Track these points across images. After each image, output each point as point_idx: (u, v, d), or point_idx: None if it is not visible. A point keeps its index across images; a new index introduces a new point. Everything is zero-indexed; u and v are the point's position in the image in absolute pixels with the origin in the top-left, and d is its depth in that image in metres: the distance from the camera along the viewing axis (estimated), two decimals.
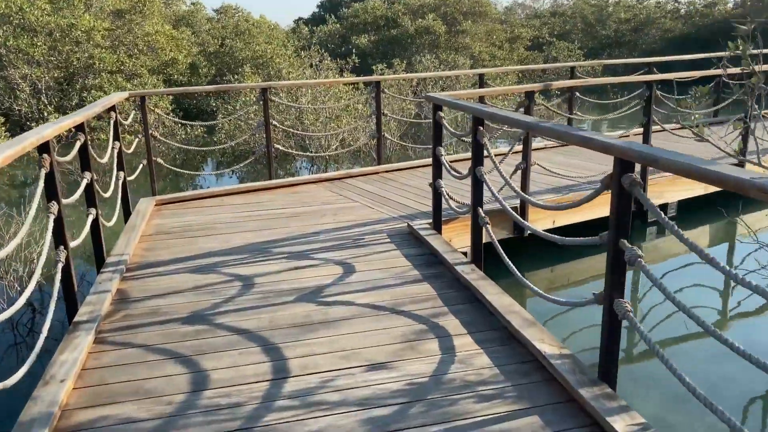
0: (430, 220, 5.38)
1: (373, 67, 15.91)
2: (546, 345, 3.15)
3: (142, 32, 16.48)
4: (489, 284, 3.96)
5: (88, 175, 4.40)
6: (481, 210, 4.22)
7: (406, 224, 5.43)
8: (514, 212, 3.93)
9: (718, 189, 7.04)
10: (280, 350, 3.32)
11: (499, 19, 25.62)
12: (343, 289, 4.10)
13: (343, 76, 14.32)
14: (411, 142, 11.79)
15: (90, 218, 4.43)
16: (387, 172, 7.55)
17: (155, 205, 6.33)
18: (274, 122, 7.12)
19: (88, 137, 4.60)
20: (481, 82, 8.16)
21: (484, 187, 4.22)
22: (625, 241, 2.66)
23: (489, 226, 4.20)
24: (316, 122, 11.23)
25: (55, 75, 15.02)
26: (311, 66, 14.98)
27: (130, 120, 6.68)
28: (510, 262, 3.77)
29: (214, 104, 15.37)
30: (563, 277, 6.02)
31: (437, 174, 4.99)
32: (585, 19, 30.53)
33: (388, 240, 5.08)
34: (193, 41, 19.50)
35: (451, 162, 7.91)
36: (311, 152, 11.59)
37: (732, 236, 7.01)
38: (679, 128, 7.10)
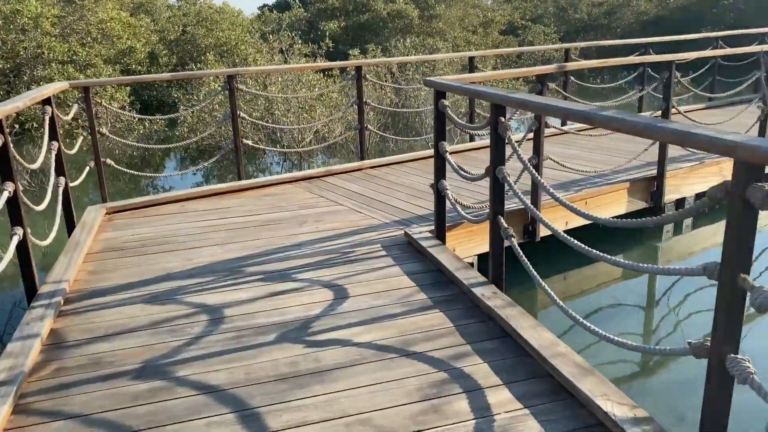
0: (431, 227, 4.61)
1: (349, 53, 14.97)
2: (614, 404, 2.39)
3: (96, 19, 15.30)
4: (520, 313, 3.19)
5: (10, 186, 3.51)
6: (503, 219, 3.45)
7: (402, 232, 4.64)
8: (541, 217, 3.17)
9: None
10: (260, 418, 2.51)
11: (471, 3, 24.87)
12: (336, 323, 3.30)
13: (316, 62, 13.40)
14: (392, 134, 10.98)
15: (15, 240, 3.54)
16: (372, 168, 6.74)
17: (105, 214, 5.42)
18: (243, 114, 6.25)
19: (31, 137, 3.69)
20: (471, 66, 7.39)
21: (503, 188, 3.45)
22: (748, 278, 1.90)
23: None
24: (288, 113, 10.35)
25: (1, 66, 13.80)
26: (281, 51, 14.01)
27: (71, 115, 5.73)
28: (547, 288, 3.02)
29: (176, 95, 14.33)
30: (577, 284, 5.30)
31: (441, 174, 4.21)
32: (557, 2, 29.97)
33: (384, 253, 4.28)
34: (153, 29, 18.32)
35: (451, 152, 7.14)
36: (283, 146, 10.71)
37: None
38: (698, 109, 6.42)
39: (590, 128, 6.76)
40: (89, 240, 4.66)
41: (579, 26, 28.34)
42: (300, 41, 14.19)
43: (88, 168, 5.78)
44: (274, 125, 8.62)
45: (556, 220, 5.14)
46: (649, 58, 5.23)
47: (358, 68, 6.68)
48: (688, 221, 6.39)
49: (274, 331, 3.23)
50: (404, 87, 11.19)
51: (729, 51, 6.65)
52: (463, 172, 3.89)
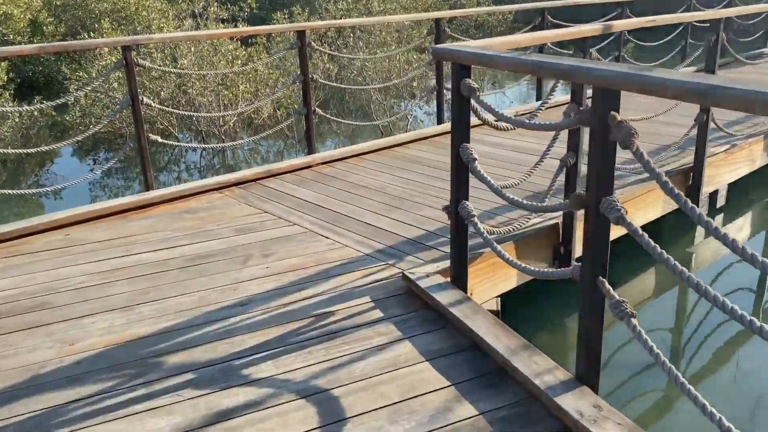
0: (435, 261, 3.19)
1: (273, 17, 13.01)
2: None
3: None
4: None
5: None
6: (604, 282, 2.06)
7: (395, 271, 3.20)
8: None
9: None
10: None
11: None
12: None
13: (237, 27, 11.49)
14: (333, 114, 9.39)
15: None
16: (325, 165, 5.20)
17: None
18: (146, 99, 4.55)
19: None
20: (438, 30, 5.95)
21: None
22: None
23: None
24: (205, 91, 8.55)
25: None
26: (192, 16, 11.97)
27: None
28: None
29: (65, 70, 12.08)
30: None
31: (462, 191, 2.77)
32: None
33: (378, 313, 2.83)
34: None
35: (416, 139, 5.70)
36: (201, 130, 8.92)
37: None
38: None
39: None
40: None
41: None
42: (216, 3, 12.16)
43: None
44: (187, 111, 6.90)
45: None
46: (698, 14, 4.00)
47: (301, 34, 5.08)
48: (718, 218, 5.27)
49: None
50: (348, 57, 9.49)
51: None
52: (525, 201, 2.46)
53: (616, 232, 4.10)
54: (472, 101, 2.61)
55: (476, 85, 2.53)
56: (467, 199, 2.78)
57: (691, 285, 1.70)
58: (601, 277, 2.02)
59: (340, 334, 2.66)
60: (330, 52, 6.34)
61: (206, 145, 5.45)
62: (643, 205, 4.22)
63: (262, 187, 4.71)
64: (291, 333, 2.70)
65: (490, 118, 2.71)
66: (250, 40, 10.59)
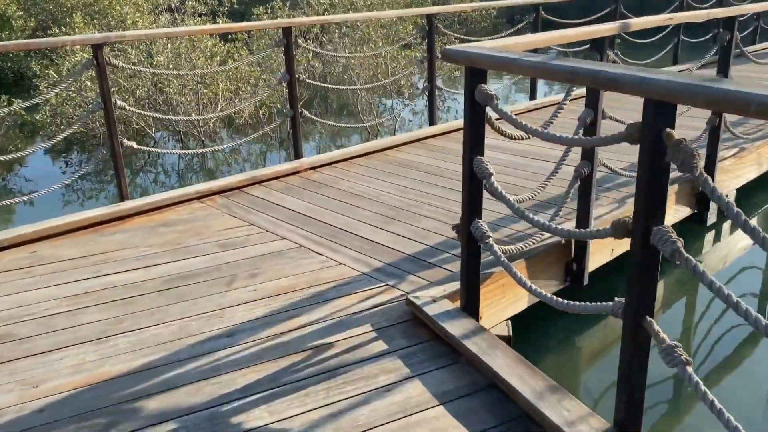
0: (440, 282, 2.90)
1: (252, 12, 12.56)
2: None
3: None
4: None
5: None
6: (652, 323, 1.79)
7: (397, 293, 2.91)
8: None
9: None
10: None
11: None
12: None
13: (217, 22, 11.04)
14: (316, 114, 9.05)
15: None
16: (313, 170, 4.89)
17: None
18: (119, 101, 4.20)
19: None
20: (431, 27, 5.65)
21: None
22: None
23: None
24: (184, 89, 8.16)
25: None
26: (169, 10, 11.49)
27: None
28: None
29: (35, 67, 11.58)
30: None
31: (474, 209, 2.49)
32: None
33: (383, 345, 2.54)
34: None
35: (408, 142, 5.40)
36: (179, 130, 8.54)
37: None
38: None
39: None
40: None
41: None
42: None
43: None
44: (165, 112, 6.53)
45: (603, 249, 3.59)
46: (719, 11, 3.76)
47: (287, 31, 4.76)
48: (726, 225, 5.05)
49: None
50: (333, 54, 9.10)
51: None
52: (547, 222, 2.18)
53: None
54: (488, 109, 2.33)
55: (493, 92, 2.24)
56: (480, 218, 2.50)
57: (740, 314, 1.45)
58: (648, 318, 1.75)
59: (340, 372, 2.37)
60: (317, 50, 6.00)
61: (185, 151, 5.10)
62: None
63: (247, 195, 4.39)
64: (285, 370, 2.40)
65: (512, 130, 2.43)
66: (229, 36, 10.19)
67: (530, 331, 3.44)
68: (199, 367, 2.44)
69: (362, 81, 9.01)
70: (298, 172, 4.83)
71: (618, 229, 1.78)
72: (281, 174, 4.77)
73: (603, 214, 3.63)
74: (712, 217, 4.60)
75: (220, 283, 3.12)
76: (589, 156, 3.11)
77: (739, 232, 5.06)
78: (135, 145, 4.22)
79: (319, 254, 3.40)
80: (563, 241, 3.31)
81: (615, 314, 1.85)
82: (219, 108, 8.32)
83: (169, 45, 8.41)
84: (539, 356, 3.39)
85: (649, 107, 1.61)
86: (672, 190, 4.08)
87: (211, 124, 8.32)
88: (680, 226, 4.48)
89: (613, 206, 3.79)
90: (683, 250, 1.62)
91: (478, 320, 2.64)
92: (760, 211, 5.32)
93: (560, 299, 2.09)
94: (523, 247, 2.94)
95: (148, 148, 5.16)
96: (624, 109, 4.25)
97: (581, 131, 3.05)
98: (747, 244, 4.92)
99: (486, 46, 2.35)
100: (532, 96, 6.99)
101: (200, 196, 4.34)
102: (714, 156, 4.23)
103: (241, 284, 3.10)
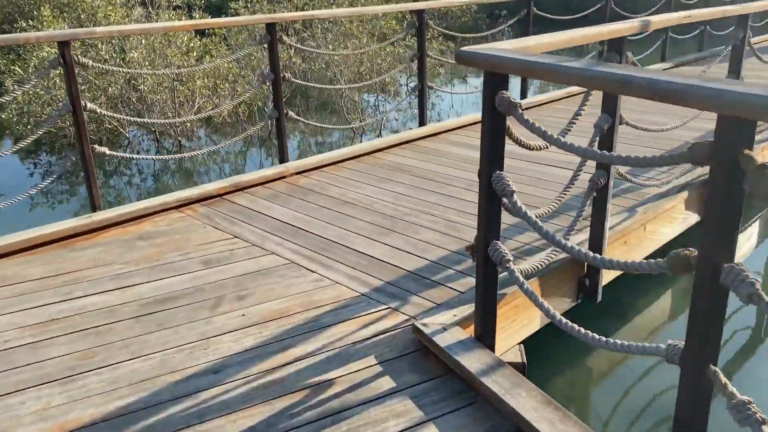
0: (453, 312, 2.64)
1: (231, 4, 12.08)
2: None
3: None
4: None
5: None
6: (717, 372, 1.55)
7: (403, 319, 2.64)
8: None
9: None
10: None
11: None
12: None
13: (193, 17, 10.60)
14: (298, 113, 8.72)
15: None
16: (300, 175, 4.59)
17: None
18: (92, 104, 3.86)
19: None
20: (421, 22, 5.37)
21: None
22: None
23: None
24: (160, 87, 7.77)
25: None
26: (143, 4, 10.98)
27: None
28: None
29: (1, 62, 11.05)
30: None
31: (492, 229, 2.22)
32: None
33: (390, 383, 2.26)
34: None
35: (398, 143, 5.12)
36: (154, 129, 8.14)
37: None
38: None
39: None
40: None
41: None
42: None
43: None
44: (139, 112, 6.15)
45: (615, 249, 3.35)
46: (735, 8, 3.54)
47: (271, 27, 4.44)
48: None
49: None
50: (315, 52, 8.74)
51: None
52: (583, 250, 1.91)
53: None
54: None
55: (517, 100, 1.98)
56: (498, 239, 2.24)
57: None
58: (713, 366, 1.50)
59: (345, 416, 2.10)
60: (303, 47, 5.69)
61: (162, 157, 4.77)
62: (669, 221, 3.76)
63: (230, 204, 4.08)
64: (281, 414, 2.12)
65: (533, 140, 2.17)
66: (206, 31, 9.80)
67: (538, 351, 3.19)
68: (182, 412, 2.14)
69: (346, 78, 8.70)
70: (284, 177, 4.54)
71: (677, 264, 1.53)
72: (266, 180, 4.46)
73: (614, 225, 3.39)
74: None
75: (203, 307, 2.82)
76: (605, 165, 2.87)
77: (747, 238, 4.89)
78: (107, 151, 3.88)
79: (312, 271, 3.11)
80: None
81: (670, 360, 1.60)
82: (196, 106, 7.94)
83: (143, 41, 8.00)
84: (544, 375, 3.16)
85: (725, 125, 1.36)
86: (681, 197, 3.87)
87: (188, 123, 7.95)
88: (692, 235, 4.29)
89: (622, 215, 3.56)
90: (763, 293, 1.37)
91: (494, 350, 2.38)
92: (761, 215, 5.15)
93: (598, 336, 1.84)
94: (539, 265, 2.69)
95: (121, 154, 4.82)
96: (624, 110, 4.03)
97: (597, 139, 2.81)
98: (750, 246, 4.76)
99: (505, 47, 2.08)
100: (523, 95, 6.74)
101: (179, 205, 4.02)
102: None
103: (227, 308, 2.81)
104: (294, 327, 2.64)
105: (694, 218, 4.12)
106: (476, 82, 11.54)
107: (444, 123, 5.73)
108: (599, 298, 3.17)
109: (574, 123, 2.68)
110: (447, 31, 6.35)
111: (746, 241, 4.88)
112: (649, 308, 3.88)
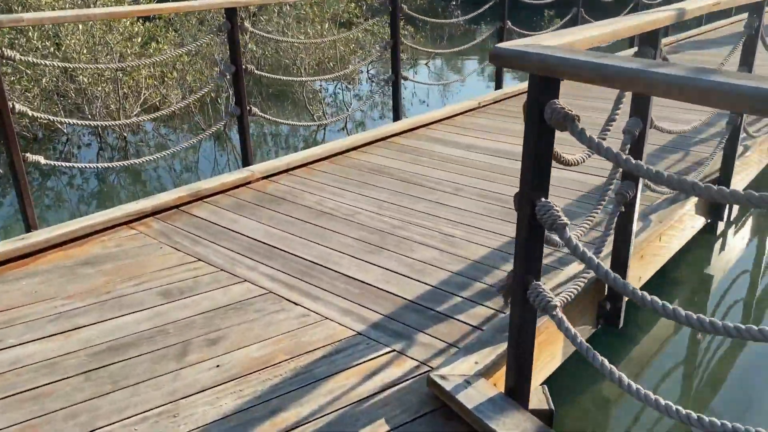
0: (474, 359, 2.22)
1: None
2: None
3: None
4: None
5: None
6: None
7: (412, 366, 2.21)
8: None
9: None
10: None
11: None
12: None
13: (139, 1, 9.73)
14: (258, 103, 8.11)
15: None
16: (268, 180, 4.09)
17: None
18: (22, 106, 3.27)
19: None
20: (395, 6, 4.87)
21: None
22: None
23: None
24: (100, 78, 7.06)
25: None
26: None
27: None
28: None
29: None
30: None
31: (531, 264, 1.81)
32: None
33: None
34: None
35: (372, 141, 4.67)
36: (93, 120, 7.42)
37: None
38: None
39: None
40: None
41: None
42: None
43: None
44: (77, 106, 5.49)
45: (629, 279, 3.00)
46: None
47: (231, 12, 3.90)
48: (730, 230, 4.62)
49: None
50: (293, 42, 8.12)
51: None
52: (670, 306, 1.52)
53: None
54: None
55: (573, 112, 1.56)
56: (539, 278, 1.83)
57: None
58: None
59: None
60: (268, 35, 5.15)
61: (106, 164, 4.21)
62: (679, 230, 3.44)
63: (189, 217, 3.56)
64: None
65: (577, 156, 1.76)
66: (153, 19, 9.05)
67: (559, 389, 2.82)
68: None
69: (306, 65, 8.15)
70: (249, 182, 4.03)
71: None
72: (228, 186, 3.95)
73: None
74: (722, 226, 4.16)
75: (168, 357, 2.33)
76: (633, 176, 2.50)
77: (741, 238, 4.66)
78: (43, 160, 3.30)
79: (296, 304, 2.65)
80: (596, 279, 2.70)
81: None
82: (142, 98, 7.27)
83: (80, 26, 7.27)
84: (569, 420, 2.80)
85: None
86: (691, 202, 3.56)
87: (135, 113, 7.27)
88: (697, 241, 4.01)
89: (637, 225, 3.21)
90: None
91: (527, 406, 1.99)
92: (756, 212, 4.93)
93: (644, 391, 1.45)
94: (569, 297, 2.30)
95: (59, 163, 4.25)
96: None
97: (628, 146, 2.43)
98: (751, 251, 4.53)
99: (552, 44, 1.66)
100: (498, 85, 6.37)
101: (130, 220, 3.48)
102: (732, 159, 3.73)
103: (197, 356, 2.33)
104: (281, 381, 2.18)
105: (700, 222, 3.83)
106: (437, 66, 11.11)
107: (420, 117, 5.29)
108: (621, 324, 2.81)
109: (609, 129, 2.29)
110: (419, 16, 5.87)
111: (746, 241, 4.65)
112: (643, 327, 3.56)
